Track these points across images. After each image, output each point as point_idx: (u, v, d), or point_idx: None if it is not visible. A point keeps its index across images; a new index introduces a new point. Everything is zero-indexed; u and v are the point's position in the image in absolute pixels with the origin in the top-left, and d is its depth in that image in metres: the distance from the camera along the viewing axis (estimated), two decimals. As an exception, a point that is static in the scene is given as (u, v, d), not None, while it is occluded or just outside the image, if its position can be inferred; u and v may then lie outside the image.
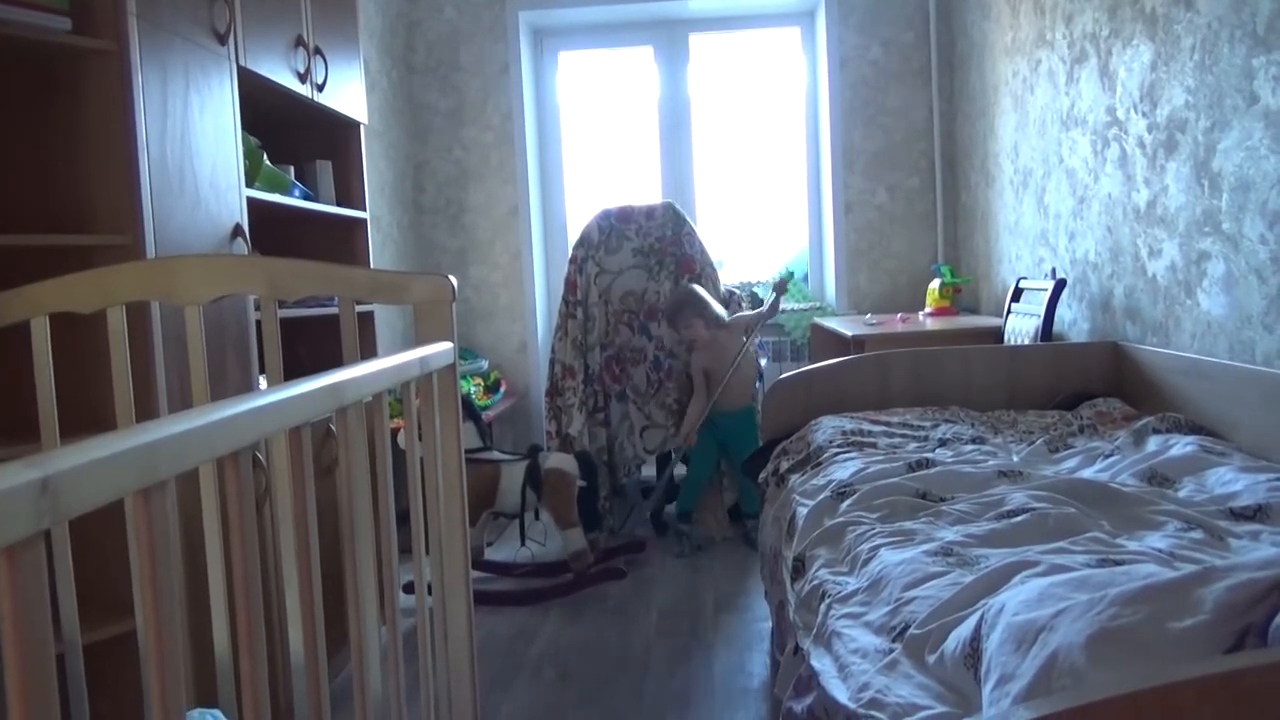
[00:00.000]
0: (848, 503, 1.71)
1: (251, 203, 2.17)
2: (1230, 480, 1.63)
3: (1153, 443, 1.96)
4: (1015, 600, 1.07)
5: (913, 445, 2.11)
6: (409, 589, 2.46)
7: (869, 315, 4.11)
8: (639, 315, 3.71)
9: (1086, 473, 1.84)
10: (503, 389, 4.42)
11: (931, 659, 1.11)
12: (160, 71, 1.82)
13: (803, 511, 1.78)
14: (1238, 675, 0.72)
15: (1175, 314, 2.37)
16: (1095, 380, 2.56)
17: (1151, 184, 2.46)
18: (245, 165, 2.14)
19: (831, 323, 3.85)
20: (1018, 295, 3.20)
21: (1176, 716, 0.71)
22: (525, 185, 4.55)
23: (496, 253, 4.61)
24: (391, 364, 1.15)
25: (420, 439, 1.38)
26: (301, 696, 1.10)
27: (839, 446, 2.11)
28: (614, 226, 3.72)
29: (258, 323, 2.08)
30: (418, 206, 4.57)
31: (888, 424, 2.30)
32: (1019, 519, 1.49)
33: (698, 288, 3.53)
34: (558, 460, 3.13)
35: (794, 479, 2.08)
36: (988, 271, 3.95)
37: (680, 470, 3.72)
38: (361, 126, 2.86)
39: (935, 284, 3.86)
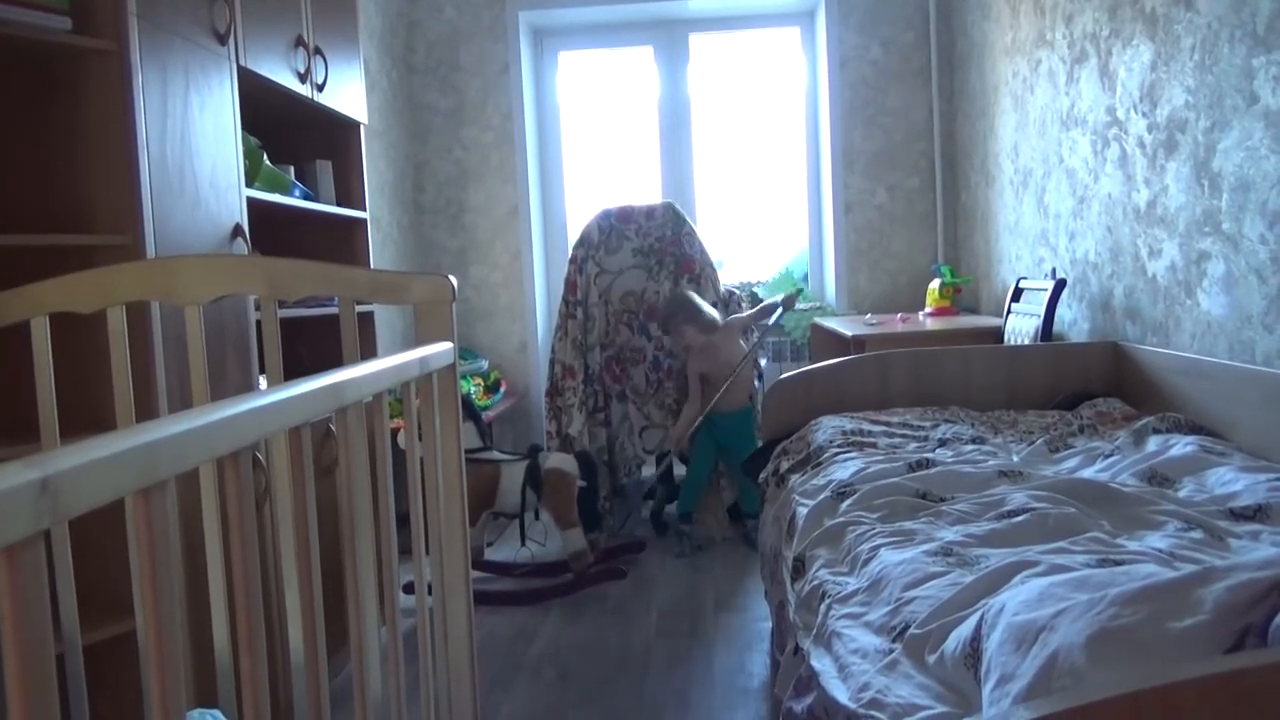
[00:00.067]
0: (848, 503, 1.71)
1: (251, 203, 2.17)
2: (1230, 480, 1.63)
3: (1153, 443, 1.96)
4: (1015, 600, 1.07)
5: (913, 445, 2.11)
6: (409, 589, 2.46)
7: (869, 315, 4.11)
8: (639, 315, 3.71)
9: (1086, 473, 1.84)
10: (503, 389, 4.43)
11: (931, 659, 1.11)
12: (160, 71, 1.82)
13: (803, 511, 1.78)
14: (1238, 675, 0.72)
15: (1175, 314, 2.37)
16: (1095, 380, 2.56)
17: (1151, 184, 2.46)
18: (245, 165, 2.14)
19: (831, 323, 3.85)
20: (1018, 295, 3.20)
21: (1176, 716, 0.71)
22: (525, 185, 4.55)
23: (496, 253, 4.61)
24: (391, 364, 1.15)
25: (420, 439, 1.38)
26: (301, 696, 1.10)
27: (839, 446, 2.11)
28: (614, 226, 3.72)
29: (258, 323, 2.08)
30: (418, 206, 4.57)
31: (888, 424, 2.30)
32: (1019, 519, 1.49)
33: (689, 293, 3.53)
34: (558, 460, 3.13)
35: (794, 479, 2.08)
36: (988, 271, 3.95)
37: (679, 471, 3.72)
38: (361, 126, 2.86)
39: (935, 284, 3.86)
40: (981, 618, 1.08)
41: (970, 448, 2.05)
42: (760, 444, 2.65)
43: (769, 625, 2.41)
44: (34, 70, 1.72)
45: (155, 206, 1.78)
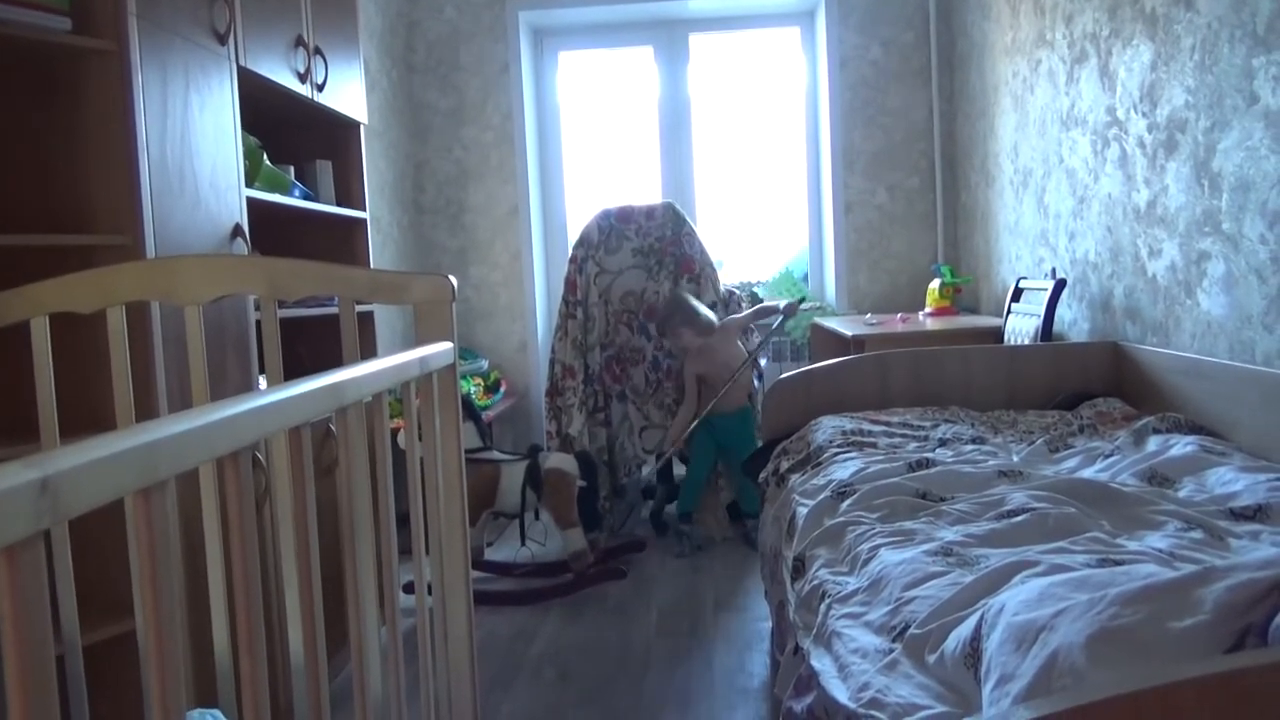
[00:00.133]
0: (848, 503, 1.71)
1: (251, 203, 2.17)
2: (1230, 480, 1.63)
3: (1153, 443, 1.96)
4: (1015, 600, 1.07)
5: (913, 445, 2.11)
6: (409, 589, 2.46)
7: (869, 315, 4.11)
8: (639, 315, 3.71)
9: (1086, 473, 1.84)
10: (503, 389, 4.43)
11: (931, 659, 1.11)
12: (160, 71, 1.82)
13: (803, 511, 1.78)
14: (1238, 675, 0.72)
15: (1175, 314, 2.37)
16: (1095, 380, 2.56)
17: (1151, 184, 2.46)
18: (245, 165, 2.14)
19: (831, 323, 3.85)
20: (1018, 295, 3.20)
21: (1176, 716, 0.71)
22: (525, 185, 4.55)
23: (496, 253, 4.61)
24: (391, 364, 1.15)
25: (420, 439, 1.38)
26: (301, 696, 1.10)
27: (839, 446, 2.11)
28: (614, 226, 3.72)
29: (258, 323, 2.08)
30: (418, 206, 4.57)
31: (888, 424, 2.30)
32: (1019, 519, 1.49)
33: (685, 295, 3.53)
34: (558, 460, 3.13)
35: (794, 479, 2.08)
36: (988, 271, 3.95)
37: (679, 470, 3.72)
38: (361, 126, 2.86)
39: (935, 284, 3.86)
40: (981, 617, 1.08)
41: (970, 448, 2.05)
42: (760, 444, 2.65)
43: (769, 625, 2.41)
44: (34, 70, 1.72)
45: (155, 206, 1.78)
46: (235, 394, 0.90)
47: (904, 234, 4.44)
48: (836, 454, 2.06)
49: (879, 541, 1.49)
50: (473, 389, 4.03)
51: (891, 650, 1.17)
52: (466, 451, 2.42)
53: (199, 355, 1.41)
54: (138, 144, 1.73)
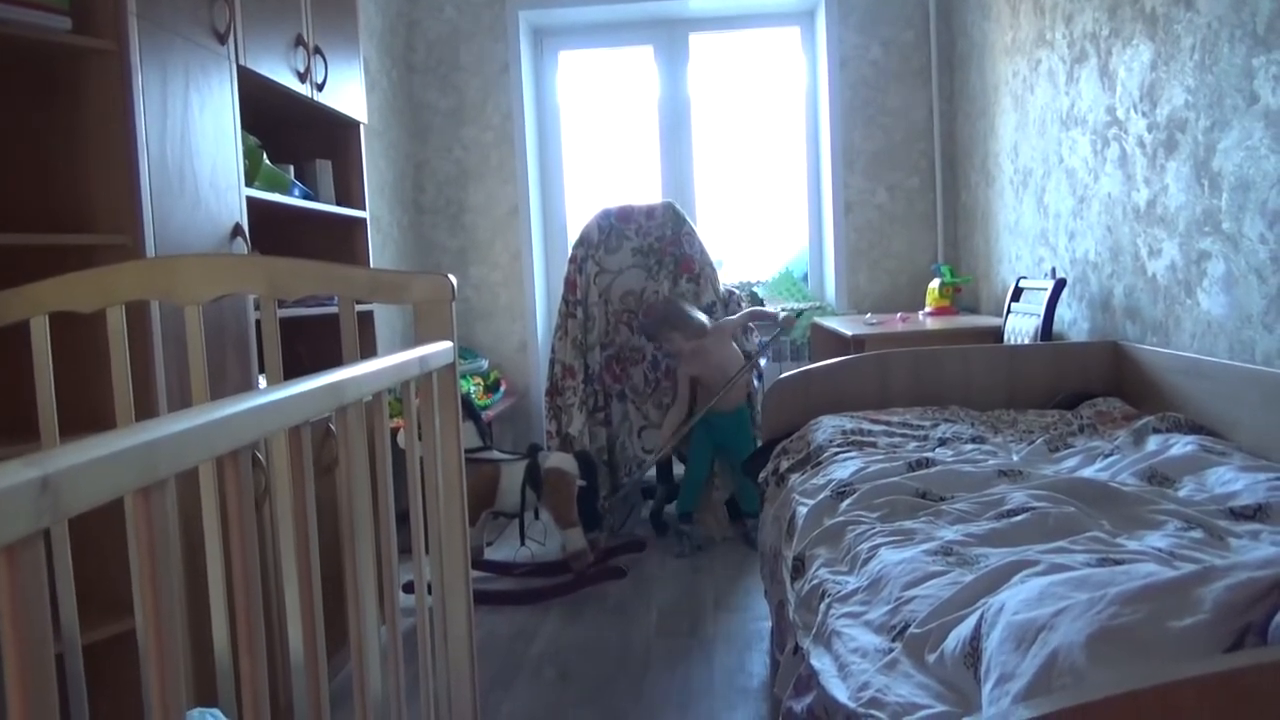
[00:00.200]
0: (847, 502, 1.71)
1: (251, 202, 2.17)
2: (1230, 480, 1.63)
3: (1153, 442, 1.96)
4: (1015, 599, 1.07)
5: (913, 445, 2.11)
6: (409, 589, 2.46)
7: (869, 315, 4.11)
8: (639, 315, 3.71)
9: (1086, 472, 1.84)
10: (503, 388, 4.43)
11: (931, 658, 1.11)
12: (160, 71, 1.82)
13: (803, 511, 1.78)
14: (1237, 674, 0.72)
15: (1175, 313, 2.37)
16: (1095, 380, 2.56)
17: (1151, 184, 2.46)
18: (245, 165, 2.14)
19: (831, 322, 3.85)
20: (1018, 295, 3.20)
21: (1176, 715, 0.71)
22: (525, 185, 4.55)
23: (496, 253, 4.61)
24: (391, 363, 1.15)
25: (420, 439, 1.38)
26: (301, 696, 1.10)
27: (839, 446, 2.11)
28: (614, 226, 3.72)
29: (257, 322, 2.08)
30: (418, 206, 4.57)
31: (888, 423, 2.30)
32: (1019, 518, 1.49)
33: (674, 300, 3.54)
34: (557, 460, 3.13)
35: (794, 478, 2.08)
36: (988, 271, 3.95)
37: (679, 470, 3.72)
38: (361, 126, 2.86)
39: (935, 284, 3.86)
40: (981, 617, 1.08)
41: (970, 447, 2.05)
42: (759, 443, 2.65)
43: (769, 625, 2.41)
44: (34, 70, 1.72)
45: (155, 206, 1.78)
46: (235, 393, 0.90)
47: (904, 234, 4.44)
48: (836, 453, 2.06)
49: (879, 541, 1.49)
50: (473, 388, 4.03)
51: (891, 650, 1.17)
52: (466, 451, 2.42)
53: (199, 355, 1.41)
54: (138, 144, 1.73)
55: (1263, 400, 1.91)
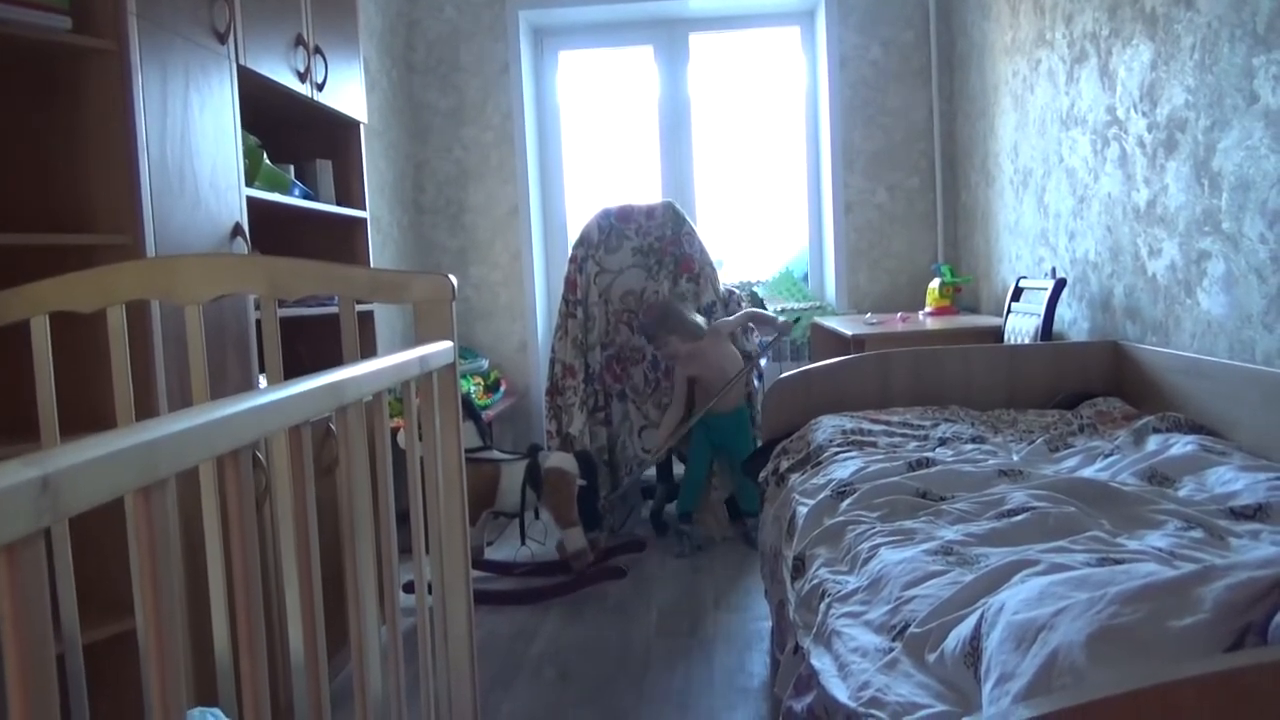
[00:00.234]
0: (848, 502, 1.71)
1: (251, 202, 2.17)
2: (1230, 479, 1.63)
3: (1153, 442, 1.96)
4: (1015, 599, 1.07)
5: (913, 444, 2.11)
6: (409, 588, 2.46)
7: (869, 315, 4.11)
8: (639, 315, 3.71)
9: (1086, 472, 1.84)
10: (503, 388, 4.43)
11: (931, 658, 1.11)
12: (160, 71, 1.82)
13: (803, 511, 1.78)
14: (1237, 674, 0.72)
15: (1175, 313, 2.37)
16: (1095, 380, 2.56)
17: (1151, 183, 2.46)
18: (245, 164, 2.14)
19: (831, 322, 3.85)
20: (1018, 295, 3.20)
21: (1176, 715, 0.71)
22: (525, 185, 4.55)
23: (496, 252, 4.61)
24: (391, 363, 1.15)
25: (420, 438, 1.38)
26: (301, 696, 1.10)
27: (839, 446, 2.11)
28: (614, 226, 3.72)
29: (258, 322, 2.08)
30: (418, 206, 4.57)
31: (888, 423, 2.30)
32: (1019, 518, 1.49)
33: (671, 302, 3.54)
34: (558, 459, 3.13)
35: (794, 478, 2.08)
36: (988, 271, 3.95)
37: (678, 470, 3.72)
38: (361, 126, 2.86)
39: (935, 283, 3.86)
40: (981, 616, 1.08)
41: (970, 447, 2.05)
42: (758, 443, 2.65)
43: (769, 625, 2.41)
44: (34, 70, 1.72)
45: (155, 206, 1.78)
46: (235, 393, 0.90)
47: (904, 234, 4.44)
48: (836, 453, 2.06)
49: (879, 540, 1.49)
50: (473, 388, 4.03)
51: (891, 649, 1.17)
52: (466, 451, 2.42)
53: (199, 354, 1.41)
54: (138, 143, 1.73)
55: (1263, 400, 1.91)
